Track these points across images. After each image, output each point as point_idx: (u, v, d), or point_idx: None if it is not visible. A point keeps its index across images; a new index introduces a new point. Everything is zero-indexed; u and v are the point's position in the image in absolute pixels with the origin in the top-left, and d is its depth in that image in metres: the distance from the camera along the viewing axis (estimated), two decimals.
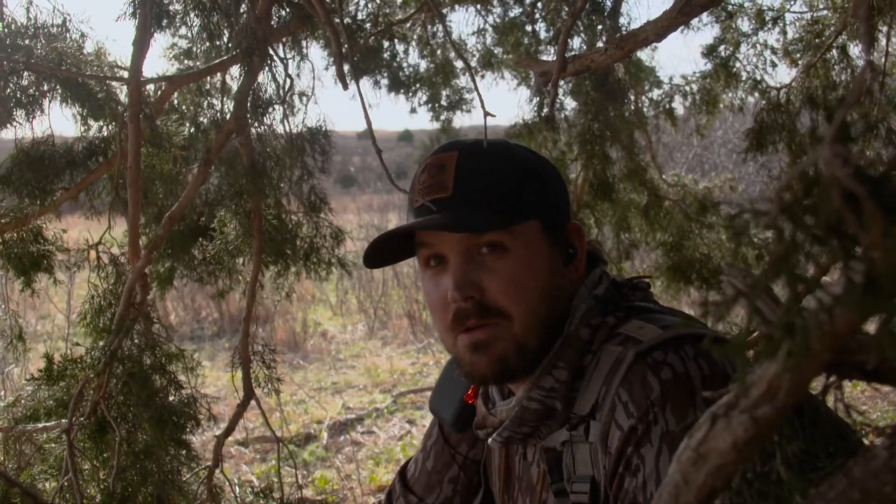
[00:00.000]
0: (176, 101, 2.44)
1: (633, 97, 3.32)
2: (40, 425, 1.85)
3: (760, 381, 0.42)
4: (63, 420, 1.81)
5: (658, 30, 1.87)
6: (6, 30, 1.94)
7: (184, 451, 1.89)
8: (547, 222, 0.97)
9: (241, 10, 2.08)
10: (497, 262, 0.93)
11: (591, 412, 0.89)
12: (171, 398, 1.90)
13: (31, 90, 1.94)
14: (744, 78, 3.18)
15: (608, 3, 2.98)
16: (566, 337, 0.93)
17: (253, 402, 2.20)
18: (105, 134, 2.15)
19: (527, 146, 1.14)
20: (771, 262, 0.34)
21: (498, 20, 3.37)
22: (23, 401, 1.98)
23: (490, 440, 0.99)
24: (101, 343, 1.86)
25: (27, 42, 1.95)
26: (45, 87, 1.95)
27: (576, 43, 3.07)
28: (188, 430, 1.88)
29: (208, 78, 2.37)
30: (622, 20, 2.96)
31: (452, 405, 1.10)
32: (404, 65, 3.56)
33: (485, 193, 0.94)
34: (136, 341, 1.88)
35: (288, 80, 2.20)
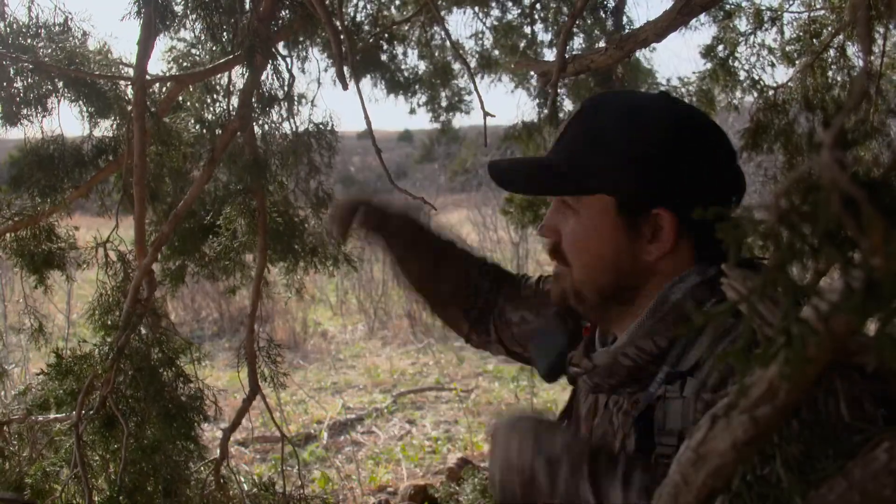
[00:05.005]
0: (182, 100, 2.44)
1: None
2: (51, 416, 1.87)
3: (760, 382, 0.42)
4: (72, 413, 1.82)
5: (658, 30, 1.87)
6: (8, 29, 1.94)
7: (192, 445, 1.90)
8: (622, 202, 0.98)
9: (245, 10, 2.08)
10: (570, 218, 1.01)
11: (691, 370, 0.91)
12: (178, 392, 1.91)
13: (38, 89, 1.94)
14: (742, 77, 3.18)
15: (611, 3, 2.98)
16: (673, 305, 0.96)
17: (256, 401, 2.21)
18: (113, 133, 2.16)
19: (692, 107, 1.09)
20: (769, 269, 0.35)
21: (496, 22, 3.37)
22: (33, 389, 2.00)
23: (580, 380, 1.05)
24: (108, 339, 1.87)
25: (29, 41, 1.95)
26: (53, 87, 1.96)
27: (576, 43, 3.08)
28: (196, 423, 1.90)
29: (214, 77, 2.37)
30: (622, 20, 2.97)
31: (548, 357, 1.14)
32: (403, 66, 3.57)
33: (565, 157, 1.02)
34: (143, 337, 1.89)
35: (290, 78, 2.21)
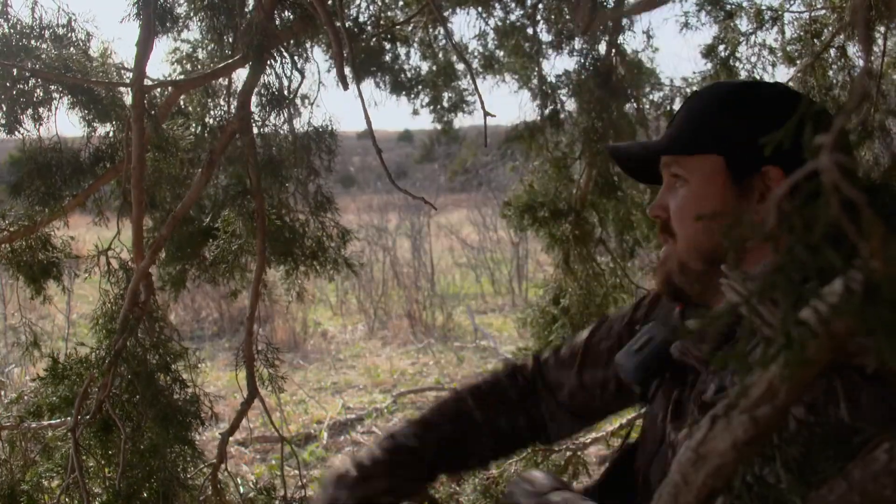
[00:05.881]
0: (182, 103, 2.44)
1: (634, 97, 3.32)
2: (45, 423, 1.86)
3: (760, 382, 0.42)
4: (68, 418, 1.81)
5: None
6: (12, 30, 1.94)
7: (188, 449, 1.89)
8: (733, 160, 0.99)
9: (246, 11, 2.08)
10: (679, 189, 1.04)
11: None
12: (175, 396, 1.90)
13: (36, 95, 1.94)
14: (743, 76, 3.18)
15: (609, 2, 2.98)
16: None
17: (254, 403, 2.20)
18: (112, 139, 2.15)
19: (776, 85, 1.10)
20: (770, 272, 0.35)
21: (499, 23, 3.37)
22: (26, 397, 1.99)
23: (672, 347, 1.04)
24: (105, 343, 1.87)
25: (33, 42, 1.95)
26: (52, 92, 1.96)
27: (576, 44, 3.07)
28: (193, 427, 1.89)
29: (214, 81, 2.37)
30: (623, 22, 2.96)
31: (633, 361, 1.12)
32: (406, 67, 3.57)
33: (679, 127, 1.05)
34: (140, 340, 1.88)
35: (293, 79, 2.21)
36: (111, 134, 2.17)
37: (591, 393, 1.23)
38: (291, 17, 2.19)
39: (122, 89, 2.08)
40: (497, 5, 3.25)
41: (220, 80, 2.36)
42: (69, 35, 2.00)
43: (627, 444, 1.19)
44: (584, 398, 1.24)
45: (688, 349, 1.01)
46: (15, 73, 1.90)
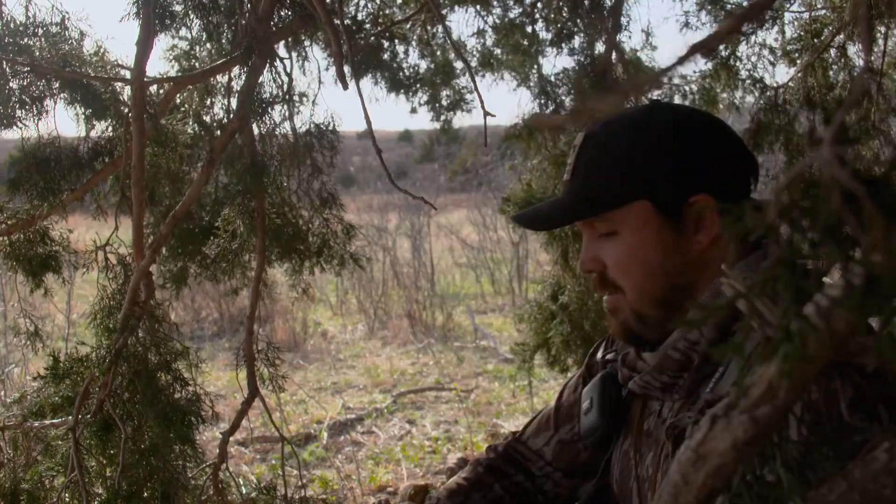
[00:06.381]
0: (180, 100, 2.43)
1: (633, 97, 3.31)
2: (47, 422, 1.86)
3: (760, 382, 0.42)
4: (69, 417, 1.81)
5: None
6: (5, 28, 1.94)
7: (189, 449, 1.89)
8: (659, 201, 0.97)
9: (244, 10, 2.08)
10: (609, 243, 1.00)
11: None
12: (176, 396, 1.90)
13: (34, 90, 1.94)
14: (743, 77, 3.18)
15: (608, 2, 2.98)
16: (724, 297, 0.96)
17: (254, 403, 2.20)
18: (111, 134, 2.15)
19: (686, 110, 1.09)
20: (769, 266, 0.34)
21: (497, 21, 3.36)
22: (28, 397, 1.99)
23: (631, 383, 1.04)
24: (106, 342, 1.87)
25: (26, 41, 1.95)
26: (49, 88, 1.95)
27: (575, 42, 3.07)
28: (194, 427, 1.89)
29: (213, 77, 2.37)
30: (622, 20, 2.96)
31: (588, 421, 1.13)
32: (404, 65, 3.56)
33: (588, 182, 1.00)
34: (141, 339, 1.88)
35: (289, 80, 2.20)
36: (109, 130, 2.16)
37: (574, 448, 1.24)
38: (290, 16, 2.18)
39: (119, 86, 2.07)
40: (495, 3, 3.24)
41: (219, 78, 2.36)
42: (63, 33, 2.00)
43: (602, 482, 1.19)
44: (570, 455, 1.25)
45: (648, 382, 1.01)
46: (10, 69, 1.90)
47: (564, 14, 3.06)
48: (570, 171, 1.04)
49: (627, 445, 1.09)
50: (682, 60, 0.41)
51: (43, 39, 1.97)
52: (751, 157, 1.03)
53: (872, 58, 2.63)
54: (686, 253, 0.98)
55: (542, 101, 3.17)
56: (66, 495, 1.69)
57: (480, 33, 3.50)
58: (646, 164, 0.97)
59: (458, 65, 3.65)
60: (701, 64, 3.23)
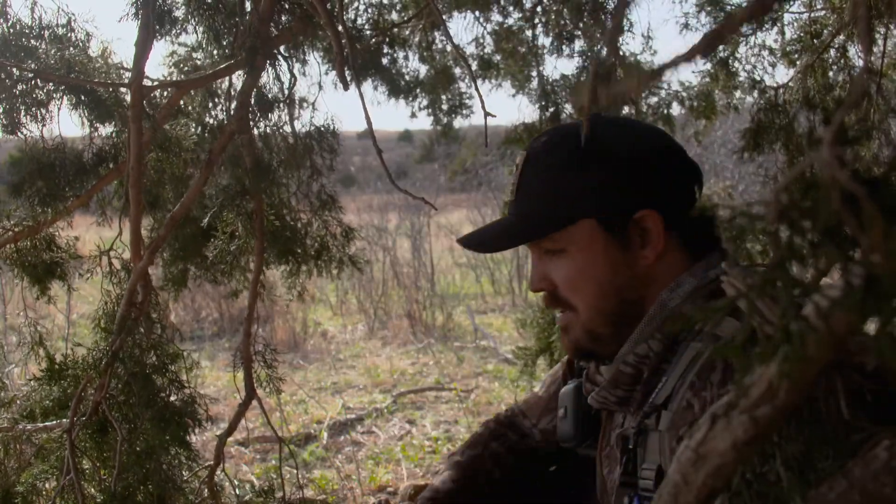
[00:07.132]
0: (183, 104, 2.43)
1: (632, 100, 3.31)
2: (41, 425, 1.86)
3: (760, 381, 0.42)
4: (64, 420, 1.81)
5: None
6: (11, 30, 1.94)
7: (184, 451, 1.88)
8: (603, 218, 0.98)
9: (245, 12, 2.08)
10: (556, 261, 1.01)
11: (665, 403, 0.91)
12: (172, 398, 1.89)
13: (38, 95, 1.94)
14: (742, 78, 3.18)
15: (610, 3, 2.98)
16: (672, 311, 0.96)
17: (254, 403, 2.20)
18: (115, 140, 2.15)
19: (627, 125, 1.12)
20: (769, 266, 0.34)
21: (496, 27, 3.37)
22: (18, 401, 1.98)
23: (590, 398, 1.06)
24: (102, 343, 1.86)
25: (32, 42, 1.94)
26: (54, 93, 1.95)
27: (576, 46, 3.07)
28: (190, 429, 1.88)
29: (215, 82, 2.37)
30: (622, 21, 2.96)
31: (565, 427, 1.16)
32: (404, 70, 3.57)
33: (532, 202, 1.01)
34: (138, 341, 1.88)
35: (292, 80, 2.21)
36: (114, 134, 2.16)
37: (555, 435, 1.26)
38: (290, 18, 2.18)
39: (123, 90, 2.07)
40: (494, 8, 3.25)
41: (221, 82, 2.36)
42: (69, 35, 2.00)
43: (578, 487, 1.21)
44: (554, 440, 1.27)
45: (604, 397, 1.02)
46: (16, 73, 1.90)
47: (565, 16, 3.06)
48: (513, 191, 1.04)
49: (603, 455, 1.11)
50: (677, 61, 0.41)
51: (49, 42, 1.97)
52: (693, 167, 1.04)
53: (872, 58, 2.63)
54: (633, 268, 0.99)
55: (543, 104, 3.17)
56: (59, 501, 1.69)
57: (479, 39, 3.50)
58: (589, 182, 0.98)
59: (458, 70, 3.65)
60: (700, 64, 3.23)
